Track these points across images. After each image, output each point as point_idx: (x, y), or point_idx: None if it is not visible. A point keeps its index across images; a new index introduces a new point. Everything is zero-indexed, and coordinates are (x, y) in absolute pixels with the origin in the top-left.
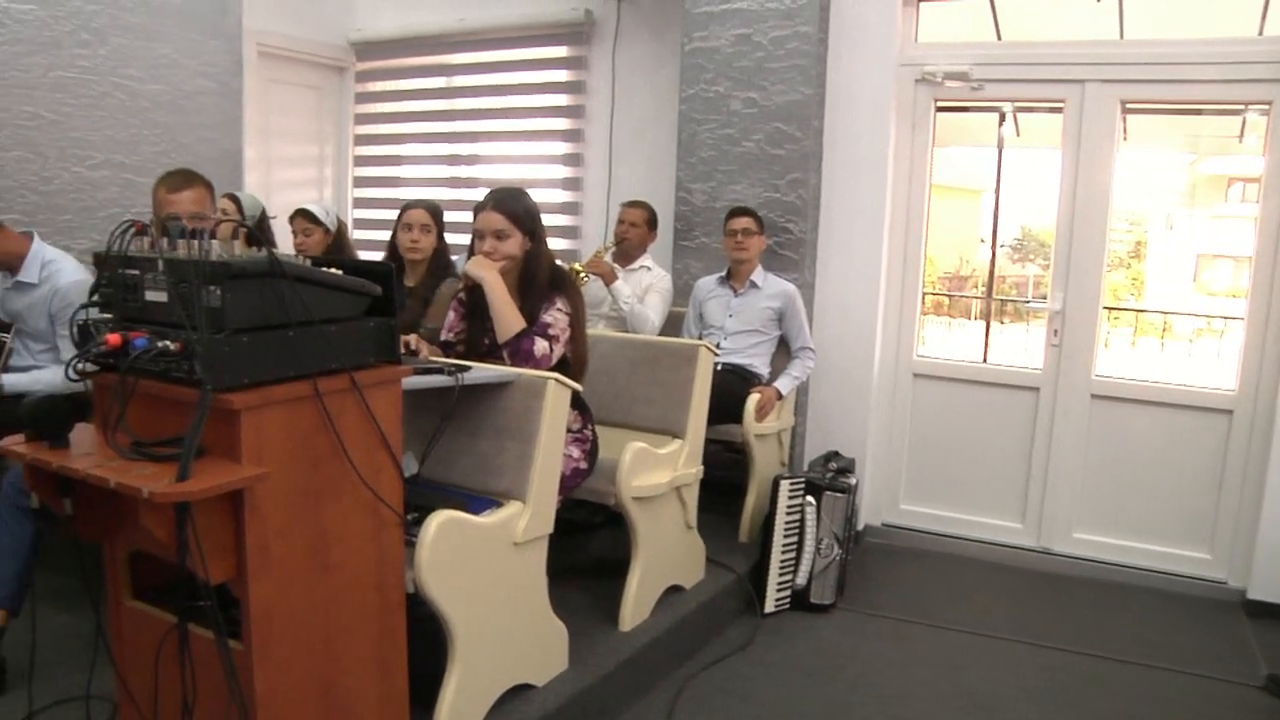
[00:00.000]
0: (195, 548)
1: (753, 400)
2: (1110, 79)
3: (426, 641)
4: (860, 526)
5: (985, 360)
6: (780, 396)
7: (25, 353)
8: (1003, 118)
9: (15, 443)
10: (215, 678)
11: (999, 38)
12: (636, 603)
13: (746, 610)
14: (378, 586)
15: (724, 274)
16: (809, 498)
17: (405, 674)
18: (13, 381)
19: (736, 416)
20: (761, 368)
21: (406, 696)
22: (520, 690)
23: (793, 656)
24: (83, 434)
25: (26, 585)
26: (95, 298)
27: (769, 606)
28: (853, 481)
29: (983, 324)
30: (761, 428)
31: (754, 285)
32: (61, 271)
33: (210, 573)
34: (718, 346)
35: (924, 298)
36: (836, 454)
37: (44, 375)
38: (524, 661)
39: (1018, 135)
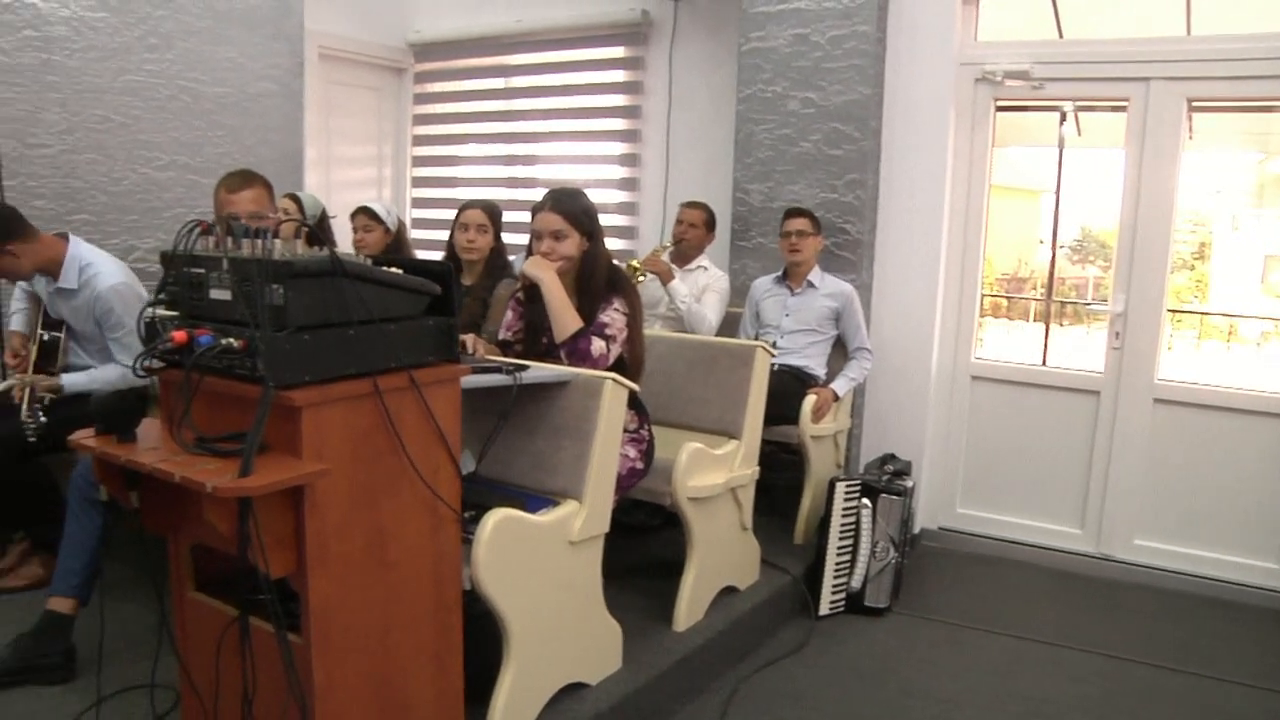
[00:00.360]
0: (256, 542)
1: (809, 401)
2: (1176, 76)
3: (482, 638)
4: (916, 530)
5: (1044, 363)
6: (837, 398)
7: (80, 352)
8: (1064, 117)
9: (85, 436)
10: (274, 670)
11: (1060, 35)
12: (691, 603)
13: (801, 612)
14: (435, 583)
15: (780, 273)
16: (865, 500)
17: (460, 670)
18: (72, 381)
19: (793, 418)
20: (818, 369)
21: (461, 692)
22: (574, 689)
23: (847, 659)
24: (149, 429)
25: (95, 575)
26: (161, 296)
27: (823, 609)
28: (909, 484)
29: (1041, 326)
30: (818, 429)
31: (811, 285)
32: (99, 275)
33: (271, 567)
34: (774, 346)
35: (982, 299)
36: (893, 456)
37: (101, 374)
38: (578, 660)
39: (1079, 135)
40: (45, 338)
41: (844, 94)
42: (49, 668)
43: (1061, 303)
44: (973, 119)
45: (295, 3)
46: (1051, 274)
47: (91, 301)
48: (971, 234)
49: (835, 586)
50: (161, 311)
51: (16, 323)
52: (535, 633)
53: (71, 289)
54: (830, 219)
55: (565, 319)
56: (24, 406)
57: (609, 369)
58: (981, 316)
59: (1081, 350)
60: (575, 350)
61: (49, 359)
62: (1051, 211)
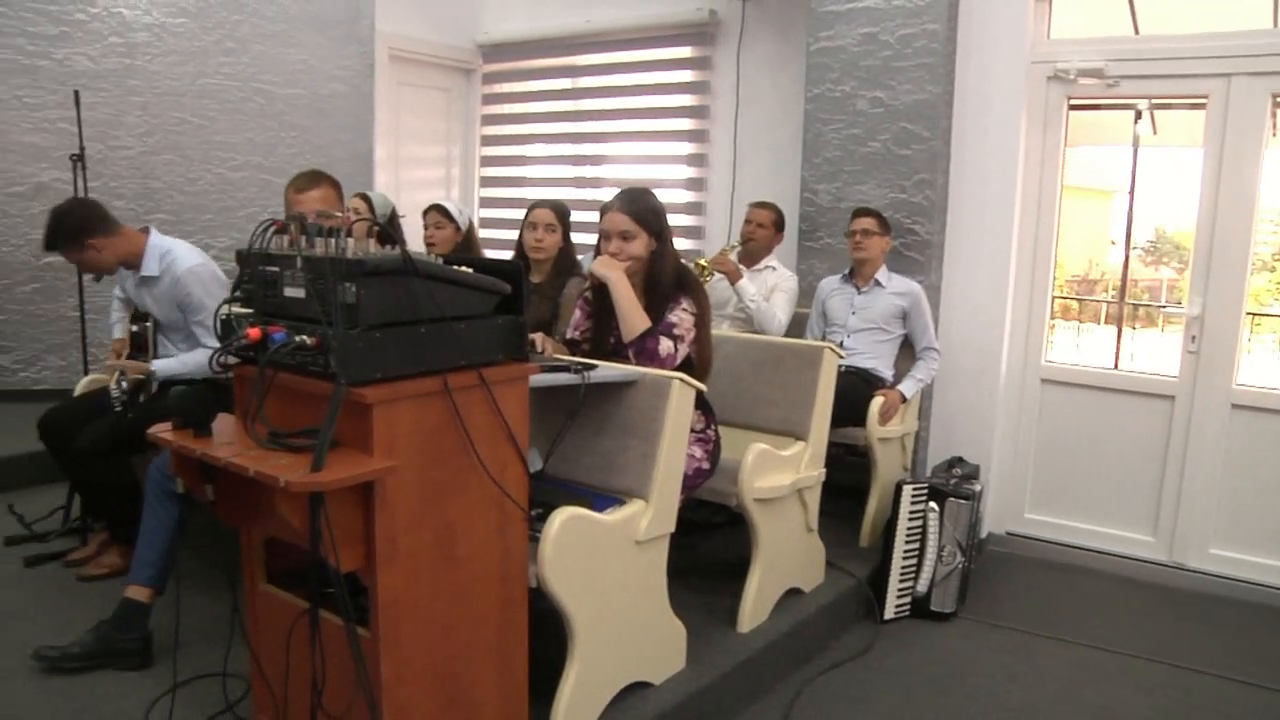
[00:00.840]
0: (327, 536)
1: (876, 403)
2: (1260, 71)
3: (546, 635)
4: (983, 534)
5: (1116, 366)
6: (904, 400)
7: (166, 343)
8: (1138, 115)
9: (163, 430)
10: (343, 662)
11: (1136, 31)
12: (755, 604)
13: (866, 616)
14: (501, 580)
15: (847, 272)
16: (932, 504)
17: (525, 666)
18: (162, 366)
19: (859, 419)
20: (885, 370)
21: (526, 688)
22: (637, 688)
23: (912, 664)
24: (224, 423)
25: (171, 566)
26: (237, 293)
27: (889, 613)
28: (977, 488)
29: (1113, 329)
30: (885, 431)
31: (878, 283)
32: (177, 260)
33: (341, 561)
34: (840, 345)
35: (1053, 301)
36: (960, 460)
37: (190, 358)
38: (642, 659)
39: (1154, 133)
40: (134, 329)
41: (913, 93)
42: (127, 653)
43: (1134, 305)
44: (1044, 118)
45: (366, 5)
46: (1124, 276)
47: (172, 286)
48: (1043, 235)
49: (901, 590)
50: (236, 309)
51: (119, 332)
52: (600, 631)
53: (154, 276)
54: (899, 219)
55: (633, 318)
56: (113, 384)
57: (676, 369)
58: (1052, 319)
59: (1155, 354)
60: (643, 350)
61: (140, 351)
62: (1124, 212)
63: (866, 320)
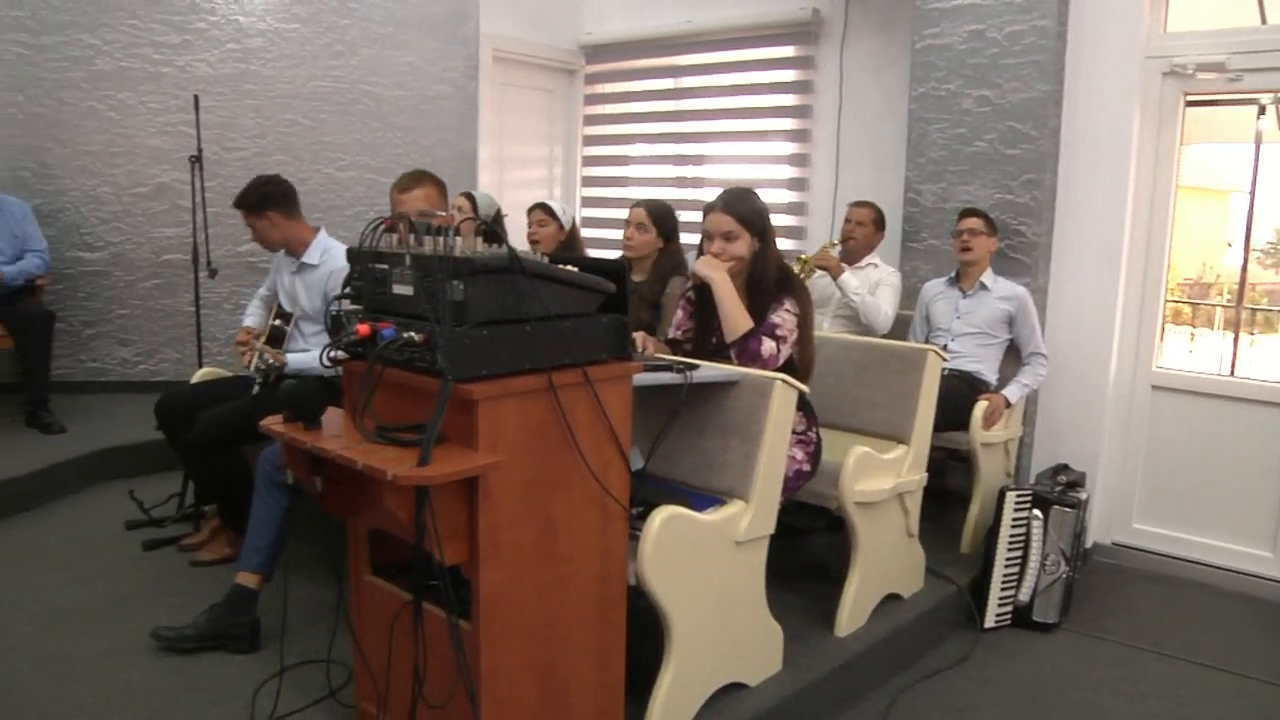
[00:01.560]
0: (432, 530)
1: (980, 407)
2: None
3: (643, 634)
4: (1089, 544)
5: (1233, 373)
6: (1009, 404)
7: (300, 338)
8: (1261, 110)
9: (275, 422)
10: (443, 653)
11: (1264, 21)
12: (853, 609)
13: (965, 624)
14: (601, 577)
15: (952, 275)
16: (1036, 511)
17: (622, 663)
18: (295, 359)
19: (962, 423)
20: (990, 374)
21: (622, 685)
22: (733, 689)
23: (1012, 675)
24: (333, 417)
25: (278, 554)
26: (347, 290)
27: (989, 621)
28: (1083, 496)
29: (1229, 334)
30: (988, 436)
31: (983, 286)
32: (337, 256)
33: (444, 554)
34: (944, 349)
35: (1165, 305)
36: (1066, 467)
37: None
38: (738, 660)
39: (1279, 129)
40: (275, 323)
41: (1021, 91)
42: (236, 637)
43: (1252, 309)
44: (1159, 115)
45: (471, 7)
46: (1243, 279)
47: (326, 276)
48: (1155, 236)
49: (1002, 599)
50: (347, 305)
51: (248, 321)
52: (697, 631)
53: (312, 264)
54: (1005, 220)
55: (736, 319)
56: (256, 360)
57: (778, 370)
58: (1164, 323)
59: (1275, 361)
60: (745, 350)
61: (276, 345)
62: (1243, 212)
63: (971, 325)
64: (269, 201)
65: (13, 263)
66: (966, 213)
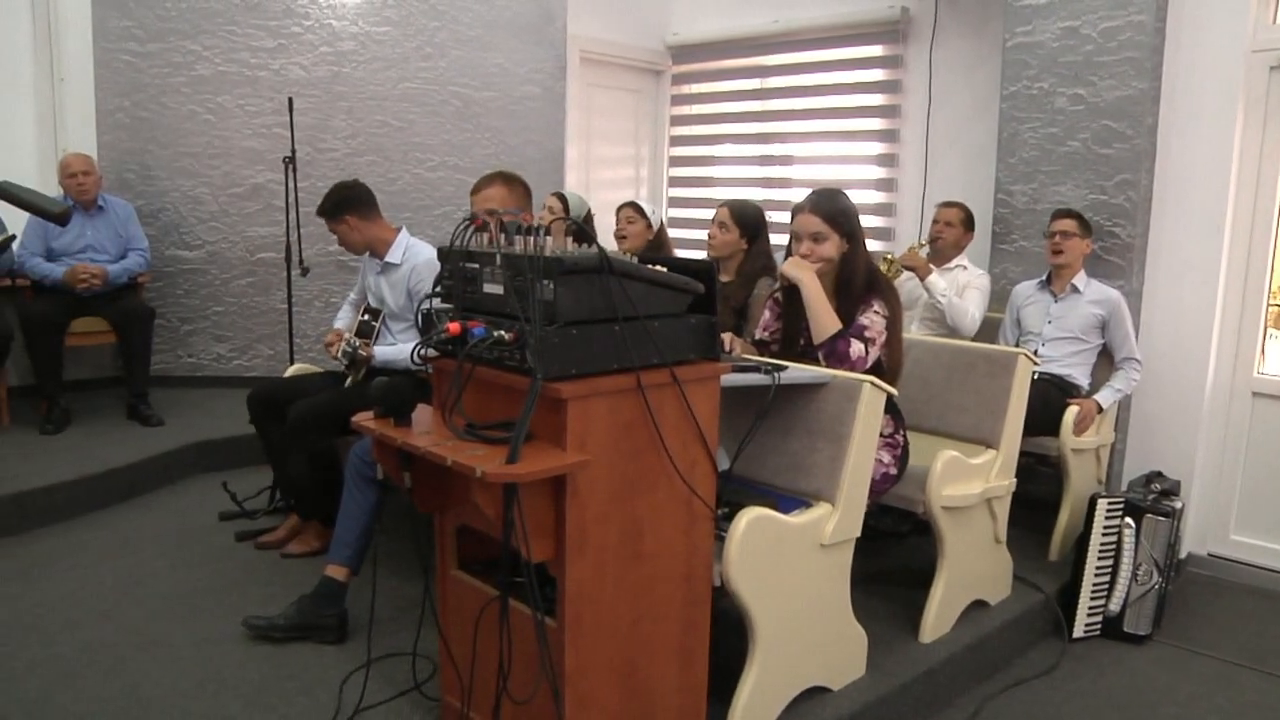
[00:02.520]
0: (520, 527)
1: (1071, 413)
2: None
3: (726, 635)
4: (1183, 555)
5: None
6: (1101, 410)
7: (387, 333)
8: None
9: (366, 418)
10: (528, 649)
11: None
12: (938, 615)
13: (1053, 633)
14: (686, 577)
15: (1043, 278)
16: (1128, 519)
17: (705, 664)
18: (381, 351)
19: (1053, 429)
20: (1082, 378)
21: (705, 686)
22: (815, 692)
23: (1101, 687)
24: (423, 414)
25: (366, 548)
26: (438, 289)
27: (1078, 631)
28: (1177, 505)
29: None
30: (1079, 442)
31: (1075, 290)
32: (418, 252)
33: (531, 551)
34: (1035, 354)
35: (1267, 309)
36: (1160, 475)
37: (406, 347)
38: (822, 664)
39: None
40: (365, 318)
41: (1117, 89)
42: (325, 628)
43: None
44: (1265, 111)
45: (559, 9)
46: None
47: (408, 273)
48: (1258, 238)
49: (1092, 609)
50: (437, 304)
51: (338, 323)
52: (781, 633)
53: (395, 264)
54: (1098, 221)
55: (824, 320)
56: (344, 343)
57: (866, 372)
58: (1266, 328)
59: None
60: (834, 352)
61: (364, 338)
62: None
63: (1063, 329)
64: (345, 206)
65: (117, 261)
66: (1060, 214)
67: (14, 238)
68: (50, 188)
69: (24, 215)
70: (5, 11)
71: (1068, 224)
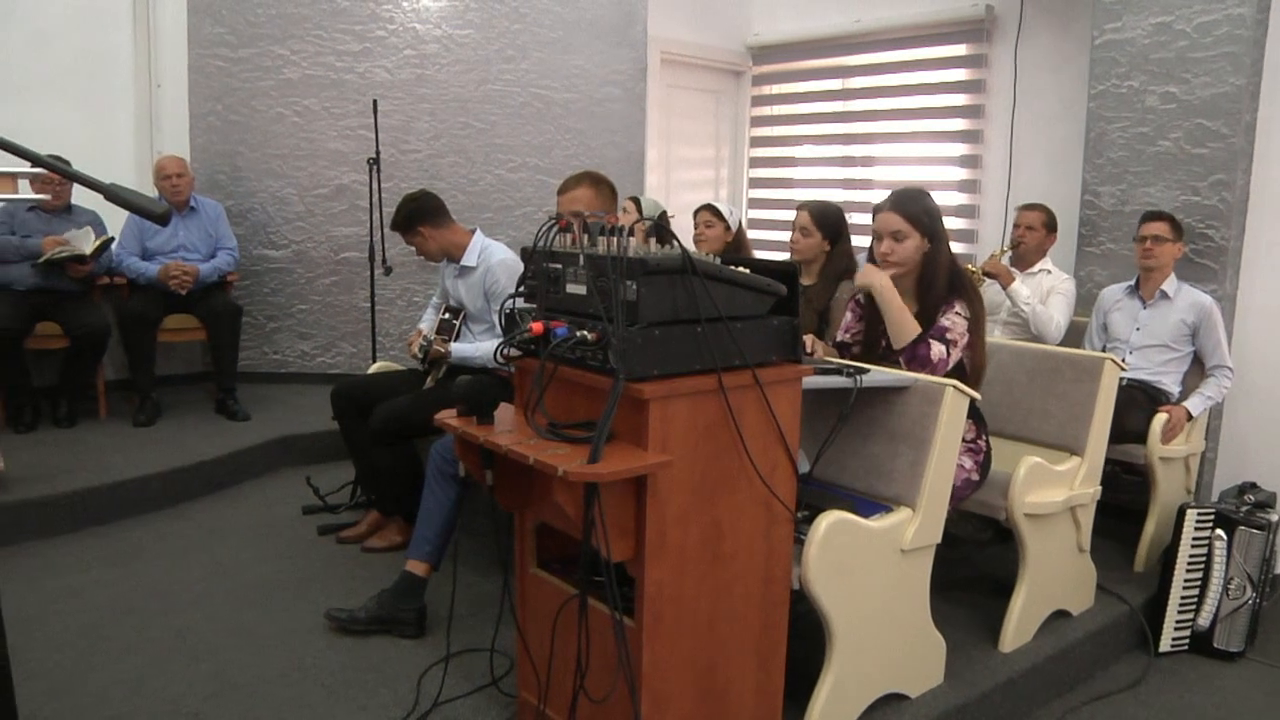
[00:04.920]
0: (600, 527)
1: (1159, 420)
2: None
3: (803, 638)
4: (1279, 570)
5: None
6: (1190, 417)
7: (468, 333)
8: None
9: (449, 417)
10: (605, 648)
11: None
12: (1019, 624)
13: (1138, 646)
14: (764, 580)
15: (1132, 283)
16: (1219, 531)
17: (782, 667)
18: (458, 349)
19: (1140, 436)
20: (1172, 385)
21: (781, 689)
22: (892, 699)
23: (1189, 704)
24: (505, 413)
25: (447, 544)
26: (521, 289)
27: (1164, 645)
28: (1273, 518)
29: None
30: (1168, 450)
31: (1164, 296)
32: (494, 254)
33: (611, 551)
34: (1123, 361)
35: None
36: (1254, 486)
37: (485, 345)
38: (899, 670)
39: None
40: (445, 316)
41: (1212, 86)
42: (404, 622)
43: None
44: None
45: (640, 11)
46: None
47: (484, 275)
48: None
49: (1179, 622)
50: (520, 304)
51: (421, 325)
52: (859, 638)
53: (471, 266)
54: (1191, 224)
55: (903, 325)
56: (421, 340)
57: (948, 375)
58: None
59: None
60: (915, 356)
61: (446, 336)
62: None
63: (1151, 337)
64: (416, 218)
65: (208, 260)
66: (1151, 216)
67: (113, 239)
68: (147, 189)
69: (120, 217)
70: (109, 26)
71: (1159, 227)
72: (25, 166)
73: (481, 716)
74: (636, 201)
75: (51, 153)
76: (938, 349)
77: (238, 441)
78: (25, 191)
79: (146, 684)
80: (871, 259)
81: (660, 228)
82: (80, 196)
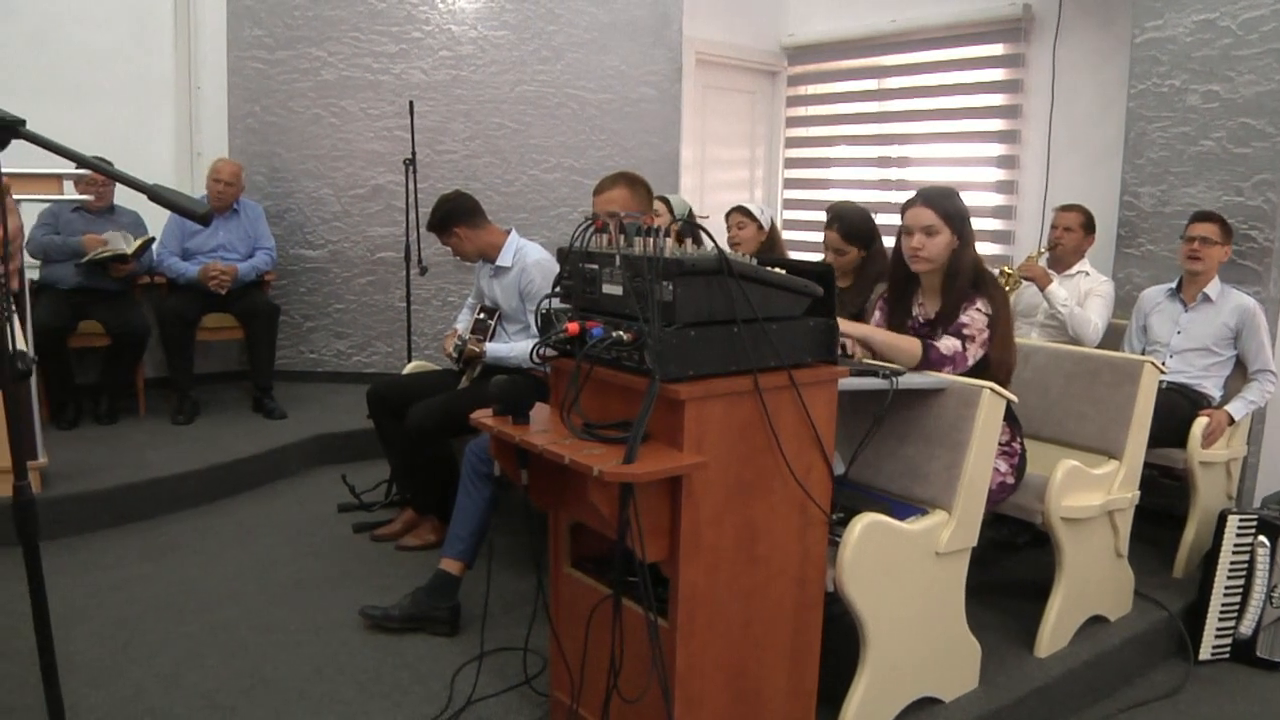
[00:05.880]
0: (635, 527)
1: (1200, 424)
2: None
3: (837, 641)
4: None
5: None
6: (1232, 421)
7: (503, 333)
8: None
9: (485, 416)
10: (639, 648)
11: None
12: (1055, 629)
13: (1177, 654)
14: (799, 582)
15: (1173, 285)
16: (1261, 538)
17: (816, 669)
18: (492, 348)
19: (1179, 440)
20: (1213, 389)
21: (815, 691)
22: (926, 703)
23: (1230, 714)
24: (541, 413)
25: (481, 543)
26: (557, 289)
27: (1204, 654)
28: None
29: None
30: (1208, 455)
31: (1206, 299)
32: (529, 254)
33: (645, 551)
34: (1163, 364)
35: None
36: None
37: (519, 345)
38: (934, 674)
39: None
40: (481, 315)
41: (1257, 84)
42: (438, 620)
43: None
44: None
45: (675, 11)
46: None
47: (519, 275)
48: None
49: (1220, 631)
50: (556, 304)
51: (457, 324)
52: (893, 641)
53: (506, 267)
54: (1234, 224)
55: (903, 349)
56: (455, 340)
57: (969, 371)
58: None
59: None
60: (929, 362)
61: (481, 335)
62: None
63: (1192, 341)
64: (452, 219)
65: (246, 260)
66: (1200, 217)
67: (153, 240)
68: (186, 190)
69: (160, 218)
70: (151, 29)
71: (1208, 229)
72: (70, 168)
73: (514, 715)
74: (666, 202)
75: (95, 154)
76: (950, 343)
77: (274, 440)
78: (69, 193)
79: (183, 678)
80: (898, 252)
81: (693, 227)
82: (122, 197)
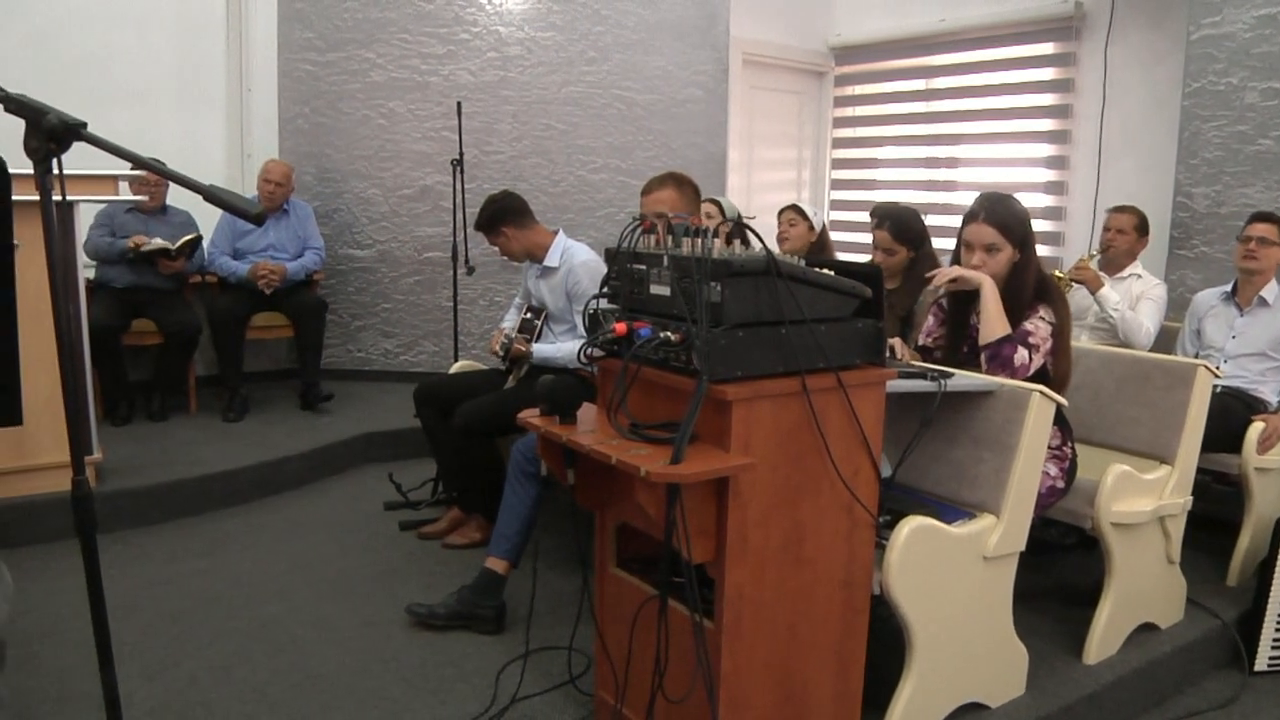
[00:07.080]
0: (681, 527)
1: (1255, 429)
2: None
3: (883, 644)
4: None
5: None
6: None
7: (550, 333)
8: None
9: (532, 416)
10: (684, 649)
11: None
12: (1104, 636)
13: (1231, 663)
14: (845, 584)
15: (1228, 289)
16: None
17: (861, 673)
18: (539, 349)
19: (1234, 445)
20: (1270, 394)
21: (860, 695)
22: (972, 708)
23: None
24: (588, 413)
25: (526, 542)
26: (604, 289)
27: (1260, 664)
28: None
29: None
30: (1264, 460)
31: (1263, 302)
32: (575, 255)
33: (692, 552)
34: (1217, 369)
35: None
36: None
37: (566, 346)
38: (980, 679)
39: None
40: (527, 315)
41: None
42: (483, 619)
43: None
44: None
45: (722, 11)
46: None
47: (566, 275)
48: None
49: (1277, 641)
50: (604, 304)
51: (504, 324)
52: (940, 646)
53: (553, 267)
54: None
55: (995, 323)
56: (502, 339)
57: (1029, 379)
58: None
59: None
60: (997, 355)
61: (528, 336)
62: None
63: (1248, 345)
64: (500, 219)
65: (295, 259)
66: (1259, 217)
67: (200, 237)
68: (237, 189)
69: (211, 219)
70: (204, 34)
71: (1266, 229)
72: (124, 169)
73: (558, 714)
74: (718, 204)
75: (149, 155)
76: (1021, 353)
77: (321, 438)
78: (124, 193)
79: (234, 671)
80: (957, 264)
81: (742, 228)
82: (174, 197)
